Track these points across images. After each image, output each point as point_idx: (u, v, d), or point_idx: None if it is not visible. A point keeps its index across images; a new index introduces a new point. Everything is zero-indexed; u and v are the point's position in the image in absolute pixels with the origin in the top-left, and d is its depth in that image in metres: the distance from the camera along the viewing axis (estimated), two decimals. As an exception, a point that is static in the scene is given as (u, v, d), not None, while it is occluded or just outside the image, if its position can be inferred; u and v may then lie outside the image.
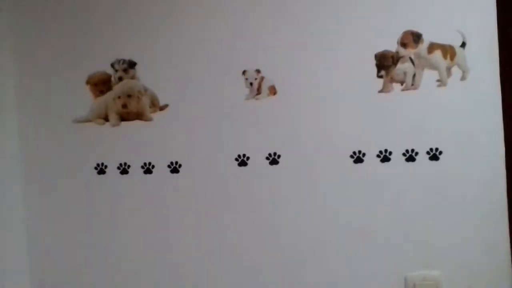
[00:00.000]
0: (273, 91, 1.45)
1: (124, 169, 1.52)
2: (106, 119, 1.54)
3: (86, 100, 1.55)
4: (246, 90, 1.46)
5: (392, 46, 1.38)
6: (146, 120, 1.51)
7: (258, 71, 1.45)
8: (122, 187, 1.52)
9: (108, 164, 1.53)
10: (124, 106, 1.51)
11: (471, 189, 1.35)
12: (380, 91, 1.39)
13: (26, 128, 1.58)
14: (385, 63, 1.39)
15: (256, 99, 1.46)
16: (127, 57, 1.52)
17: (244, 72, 1.46)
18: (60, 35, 1.54)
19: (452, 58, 1.36)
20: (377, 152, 1.39)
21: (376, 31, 1.38)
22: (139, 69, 1.52)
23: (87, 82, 1.54)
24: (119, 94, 1.52)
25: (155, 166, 1.51)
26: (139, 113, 1.52)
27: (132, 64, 1.52)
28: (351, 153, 1.40)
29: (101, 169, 1.54)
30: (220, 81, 1.47)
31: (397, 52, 1.38)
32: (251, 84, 1.45)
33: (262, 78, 1.45)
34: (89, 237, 1.55)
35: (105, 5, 1.53)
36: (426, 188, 1.37)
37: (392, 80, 1.39)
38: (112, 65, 1.53)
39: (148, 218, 1.52)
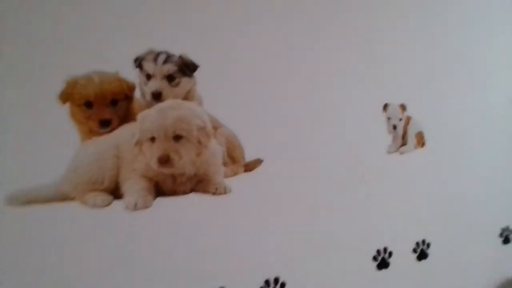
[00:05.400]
0: (421, 140, 0.91)
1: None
2: (115, 192, 0.63)
3: (60, 144, 0.59)
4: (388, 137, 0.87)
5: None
6: (215, 192, 0.69)
7: (403, 108, 0.88)
8: None
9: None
10: (166, 161, 0.64)
11: None
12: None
13: None
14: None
15: (401, 152, 0.88)
16: (175, 51, 0.66)
17: (385, 107, 0.86)
18: None
19: None
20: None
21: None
22: (203, 80, 0.68)
23: (64, 97, 0.59)
24: (155, 133, 0.64)
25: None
26: (202, 177, 0.68)
27: (188, 67, 0.67)
28: (500, 231, 1.03)
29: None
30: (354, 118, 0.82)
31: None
32: (394, 127, 0.87)
33: (408, 120, 0.89)
34: None
35: None
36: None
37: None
38: (140, 62, 0.64)
39: None
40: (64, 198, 0.60)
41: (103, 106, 0.62)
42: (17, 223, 0.57)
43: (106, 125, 0.62)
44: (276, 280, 0.74)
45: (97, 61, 0.60)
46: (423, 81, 0.91)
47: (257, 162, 0.73)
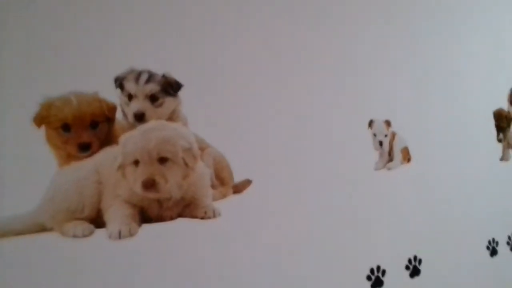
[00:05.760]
0: (407, 156, 0.91)
1: None
2: (97, 220, 0.58)
3: (35, 170, 0.54)
4: (375, 155, 0.86)
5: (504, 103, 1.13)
6: (204, 216, 0.66)
7: (388, 123, 0.89)
8: None
9: None
10: (151, 185, 0.61)
11: None
12: (501, 159, 1.10)
13: None
14: (501, 123, 1.11)
15: (388, 169, 0.88)
16: (158, 69, 0.64)
17: (370, 124, 0.86)
18: None
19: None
20: (507, 239, 1.07)
21: (490, 86, 1.10)
22: (187, 100, 0.66)
23: (38, 120, 0.55)
24: (139, 156, 0.60)
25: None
26: (190, 201, 0.65)
27: (171, 86, 0.65)
28: (487, 244, 1.03)
29: None
30: (339, 137, 0.81)
31: (509, 112, 1.14)
32: (380, 143, 0.87)
33: (394, 136, 0.90)
34: None
35: None
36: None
37: (509, 145, 1.13)
38: (120, 82, 0.61)
39: None
40: (40, 229, 0.55)
41: (82, 129, 0.58)
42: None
43: (85, 149, 0.58)
44: (270, 307, 0.70)
45: (75, 81, 0.57)
46: (406, 97, 0.92)
47: (246, 183, 0.70)
